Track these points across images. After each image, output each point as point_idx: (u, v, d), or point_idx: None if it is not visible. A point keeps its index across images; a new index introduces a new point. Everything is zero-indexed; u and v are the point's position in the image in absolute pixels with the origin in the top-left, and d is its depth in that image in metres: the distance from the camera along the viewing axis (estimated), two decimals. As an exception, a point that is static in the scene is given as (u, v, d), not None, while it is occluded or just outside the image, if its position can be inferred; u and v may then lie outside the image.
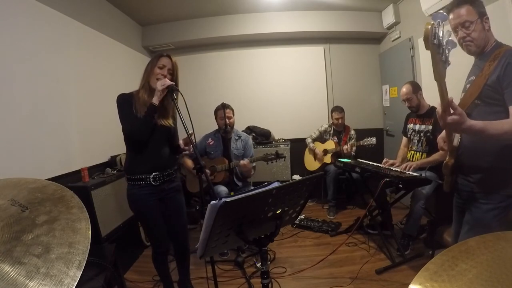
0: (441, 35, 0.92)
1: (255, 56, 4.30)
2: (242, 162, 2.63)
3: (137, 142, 1.70)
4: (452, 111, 1.04)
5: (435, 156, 2.47)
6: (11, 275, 0.59)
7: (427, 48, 0.92)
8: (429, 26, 0.89)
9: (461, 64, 1.45)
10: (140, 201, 1.74)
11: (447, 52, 0.96)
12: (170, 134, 1.83)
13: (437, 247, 2.15)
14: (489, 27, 1.32)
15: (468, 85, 1.40)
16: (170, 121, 1.80)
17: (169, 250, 1.93)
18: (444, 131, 1.43)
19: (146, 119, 1.63)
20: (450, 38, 0.96)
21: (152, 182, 1.73)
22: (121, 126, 1.71)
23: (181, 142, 1.84)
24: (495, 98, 1.25)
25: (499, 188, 1.28)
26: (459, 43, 1.35)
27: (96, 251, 1.80)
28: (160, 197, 1.79)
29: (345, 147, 3.39)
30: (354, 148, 3.43)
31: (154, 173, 1.73)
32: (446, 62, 0.97)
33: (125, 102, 1.70)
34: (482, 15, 1.30)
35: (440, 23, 0.91)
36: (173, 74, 1.73)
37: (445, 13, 0.91)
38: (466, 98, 1.36)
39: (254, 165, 2.84)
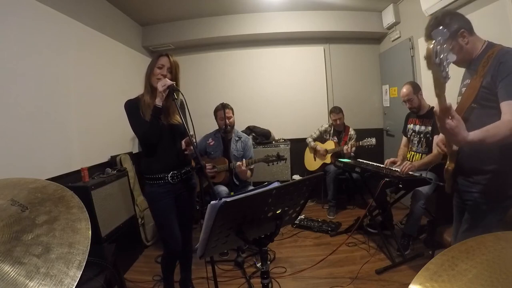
0: (442, 52, 0.89)
1: (255, 56, 4.30)
2: (238, 163, 2.63)
3: (149, 144, 1.73)
4: (450, 117, 1.03)
5: (429, 158, 2.45)
6: (11, 275, 0.59)
7: (429, 68, 0.90)
8: (431, 46, 0.87)
9: (453, 67, 1.45)
10: (160, 199, 1.77)
11: (447, 68, 0.95)
12: (181, 132, 1.83)
13: (437, 247, 2.15)
14: (469, 36, 1.30)
15: (463, 89, 1.39)
16: (178, 119, 1.80)
17: (179, 253, 1.91)
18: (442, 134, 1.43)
19: (152, 122, 1.65)
20: (449, 52, 0.95)
21: (170, 181, 1.76)
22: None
23: (182, 142, 1.85)
24: (492, 99, 1.23)
25: (499, 189, 1.28)
26: None
27: (96, 251, 1.80)
28: (176, 194, 1.81)
29: (345, 147, 3.39)
30: (353, 149, 3.43)
31: (172, 172, 1.76)
32: (446, 77, 0.96)
33: (132, 108, 1.73)
34: (455, 34, 1.29)
35: (441, 40, 0.88)
36: (172, 72, 1.73)
37: (445, 30, 0.89)
38: (463, 102, 1.35)
39: (252, 167, 2.82)
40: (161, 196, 1.76)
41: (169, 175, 1.76)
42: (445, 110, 1.02)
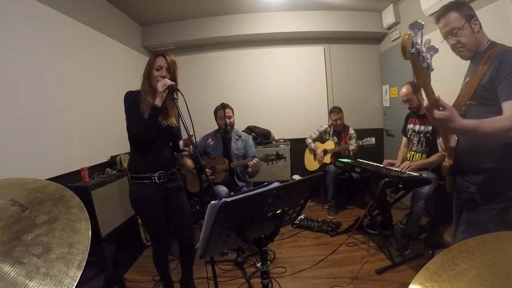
0: (419, 43, 0.92)
1: (255, 56, 4.30)
2: (253, 161, 2.63)
3: (141, 143, 1.72)
4: (441, 109, 1.05)
5: (434, 158, 2.47)
6: (11, 275, 0.59)
7: (405, 58, 0.93)
8: (406, 37, 0.89)
9: (459, 66, 1.45)
10: (145, 199, 1.76)
11: (429, 57, 0.98)
12: (173, 134, 1.85)
13: (437, 247, 2.14)
14: (480, 28, 1.31)
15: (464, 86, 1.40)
16: (174, 120, 1.81)
17: (170, 249, 1.94)
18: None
19: (150, 122, 1.64)
20: (431, 44, 0.97)
21: (157, 181, 1.75)
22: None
23: (180, 143, 1.85)
24: (489, 98, 1.23)
25: (498, 189, 1.27)
26: (452, 50, 1.37)
27: (96, 251, 1.80)
28: (163, 195, 1.81)
29: (351, 147, 3.35)
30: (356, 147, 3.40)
31: (158, 172, 1.75)
32: (429, 68, 0.99)
33: (133, 101, 1.71)
34: (470, 18, 1.29)
35: (417, 32, 0.92)
36: (171, 72, 1.72)
37: (422, 22, 0.92)
38: (460, 99, 1.36)
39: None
40: (148, 196, 1.75)
41: (155, 175, 1.75)
42: (434, 102, 1.04)
